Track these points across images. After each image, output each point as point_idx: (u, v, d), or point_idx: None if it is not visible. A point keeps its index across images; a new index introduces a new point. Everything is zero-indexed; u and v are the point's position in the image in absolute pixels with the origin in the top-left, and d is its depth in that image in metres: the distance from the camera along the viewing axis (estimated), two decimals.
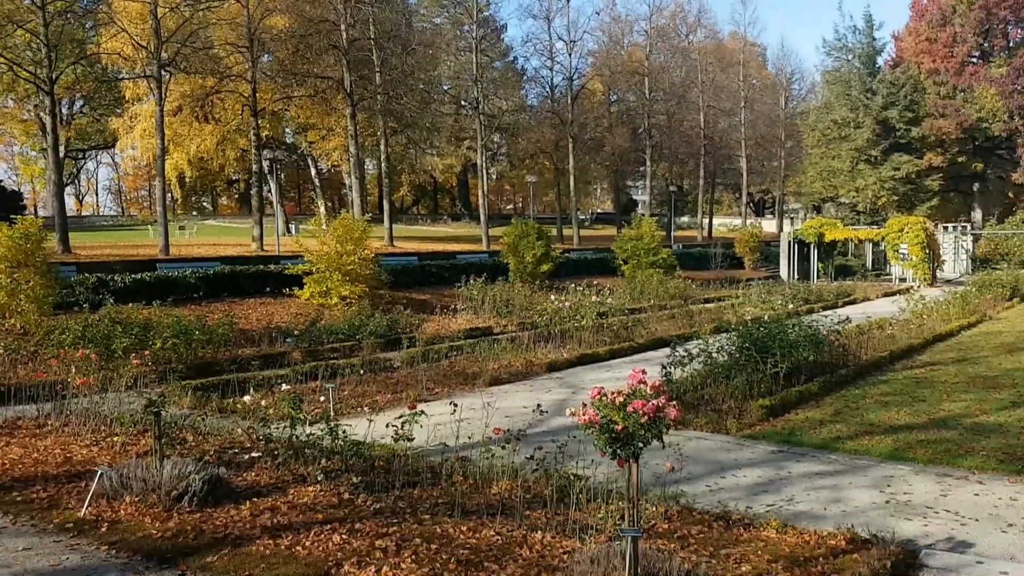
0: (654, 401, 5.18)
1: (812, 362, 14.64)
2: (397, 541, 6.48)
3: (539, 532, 7.08)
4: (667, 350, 20.11)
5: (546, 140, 59.52)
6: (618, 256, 37.73)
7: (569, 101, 55.98)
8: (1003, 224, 54.40)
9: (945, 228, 50.33)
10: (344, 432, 8.80)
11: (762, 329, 14.04)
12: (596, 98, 65.47)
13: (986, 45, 63.69)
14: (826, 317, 17.23)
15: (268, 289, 23.87)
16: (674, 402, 5.11)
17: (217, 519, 7.18)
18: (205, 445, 10.10)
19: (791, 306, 24.04)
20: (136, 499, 7.51)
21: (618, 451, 5.21)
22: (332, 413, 12.71)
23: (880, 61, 63.74)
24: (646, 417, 5.11)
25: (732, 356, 13.93)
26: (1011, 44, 63.47)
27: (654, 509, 7.80)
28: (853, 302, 32.56)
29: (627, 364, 18.09)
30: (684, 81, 63.20)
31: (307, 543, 6.50)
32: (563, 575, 5.46)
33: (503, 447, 8.42)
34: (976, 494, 8.66)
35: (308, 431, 9.02)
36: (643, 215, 43.58)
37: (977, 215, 60.84)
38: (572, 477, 8.28)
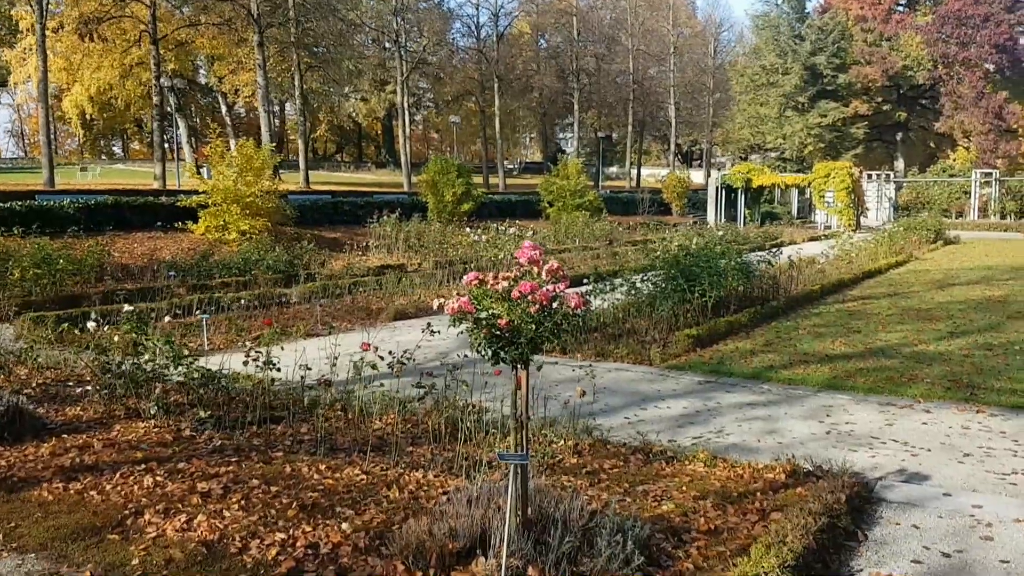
0: (548, 286, 3.82)
1: (742, 294, 13.68)
2: (226, 483, 5.05)
3: (419, 470, 5.76)
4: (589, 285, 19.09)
5: (472, 82, 57.41)
6: (544, 198, 36.48)
7: (495, 39, 53.93)
8: (925, 173, 54.89)
9: (869, 176, 50.39)
10: (192, 360, 7.29)
11: (690, 258, 12.89)
12: (523, 39, 63.46)
13: None
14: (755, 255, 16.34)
15: (159, 223, 21.76)
16: (575, 290, 3.77)
17: (4, 459, 5.63)
18: (38, 378, 8.48)
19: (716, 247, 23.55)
20: None
21: (502, 353, 3.86)
22: (206, 347, 11.19)
23: (809, 6, 63.28)
24: (537, 306, 3.76)
25: (657, 286, 12.81)
26: None
27: (562, 443, 6.57)
28: (780, 245, 31.78)
29: None
30: (613, 24, 61.65)
31: (107, 487, 5.03)
32: (429, 520, 4.12)
33: (395, 378, 7.10)
34: (924, 423, 7.68)
35: (153, 359, 7.48)
36: (570, 155, 42.23)
37: (900, 164, 61.31)
38: (466, 407, 7.00)
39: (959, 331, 12.36)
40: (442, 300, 3.95)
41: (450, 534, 3.94)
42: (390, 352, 7.30)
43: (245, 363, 6.96)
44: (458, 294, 4.04)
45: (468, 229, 20.12)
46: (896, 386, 9.01)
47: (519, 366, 3.94)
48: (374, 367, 6.82)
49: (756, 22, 63.31)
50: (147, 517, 4.53)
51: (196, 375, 6.99)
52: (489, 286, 3.89)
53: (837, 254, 21.85)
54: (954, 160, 58.83)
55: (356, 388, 7.66)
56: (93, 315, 9.17)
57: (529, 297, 3.73)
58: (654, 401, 8.51)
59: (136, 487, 5.01)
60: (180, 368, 7.09)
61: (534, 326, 3.78)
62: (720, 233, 19.98)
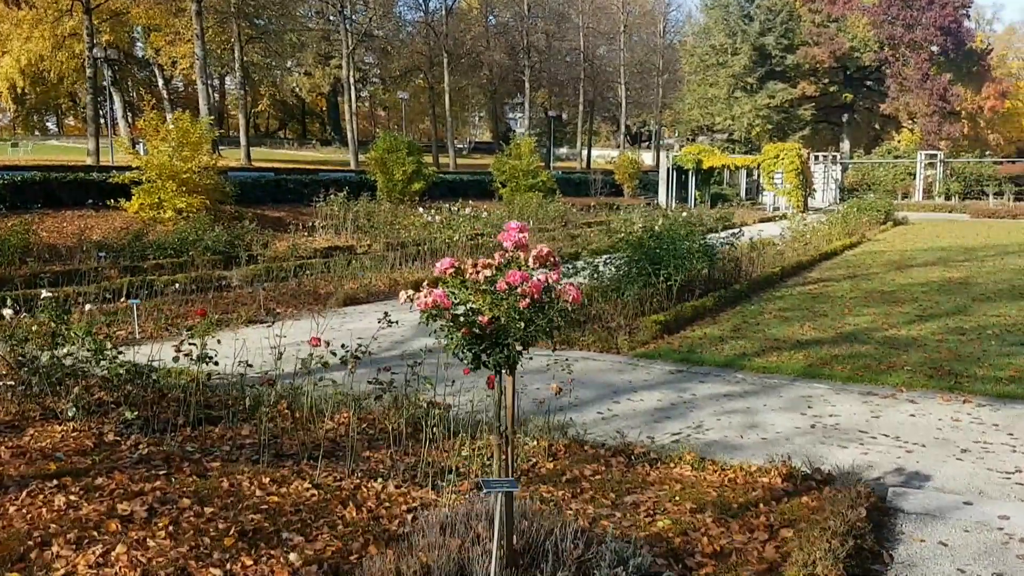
0: (541, 274, 3.19)
1: (705, 277, 13.23)
2: (152, 504, 4.32)
3: (378, 480, 5.11)
4: None
5: (420, 57, 56.14)
6: (496, 178, 35.74)
7: (444, 13, 52.75)
8: (870, 155, 55.45)
9: (815, 158, 50.68)
10: (118, 352, 6.49)
11: (654, 240, 12.38)
12: (472, 14, 62.24)
13: None
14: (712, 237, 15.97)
15: (90, 201, 20.50)
16: (571, 281, 3.14)
17: None
18: None
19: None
20: None
21: (483, 357, 3.21)
22: (137, 336, 10.34)
23: None
24: (527, 300, 3.12)
25: (621, 269, 12.28)
26: None
27: (535, 444, 5.97)
28: (732, 227, 31.69)
29: None
30: (564, 1, 60.83)
31: (11, 509, 4.27)
32: (396, 554, 3.48)
33: (349, 372, 6.41)
34: (912, 415, 7.27)
35: (73, 353, 6.68)
36: (522, 134, 41.46)
37: (845, 146, 61.87)
38: (429, 406, 6.36)
39: (927, 315, 12.09)
40: (410, 292, 3.29)
41: (422, 572, 3.30)
42: (343, 345, 6.62)
43: (176, 359, 6.20)
44: (428, 284, 3.39)
45: (421, 209, 19.32)
46: (875, 374, 8.62)
47: (503, 371, 3.30)
48: (325, 364, 6.09)
49: (706, 1, 63.13)
50: (56, 548, 3.80)
51: (121, 371, 6.21)
52: (468, 276, 3.23)
53: (792, 236, 21.65)
54: (899, 142, 59.58)
55: (304, 384, 6.97)
56: (9, 301, 8.26)
57: (519, 289, 3.09)
58: (626, 393, 7.97)
59: (45, 509, 4.25)
60: (104, 363, 6.30)
61: (523, 324, 3.14)
62: (684, 214, 19.59)
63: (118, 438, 5.74)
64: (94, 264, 15.08)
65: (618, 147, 78.42)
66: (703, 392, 8.03)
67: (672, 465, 5.55)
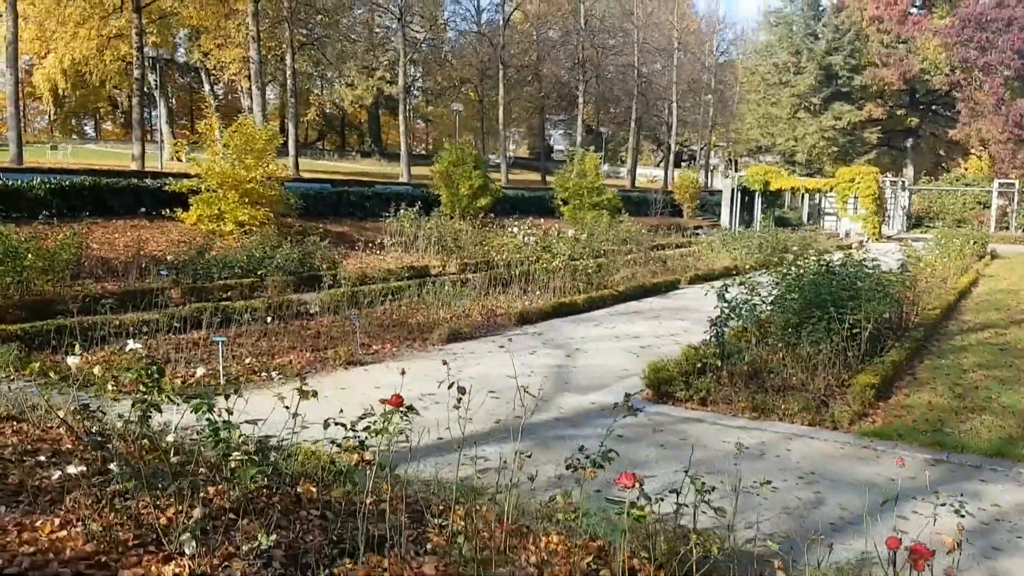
0: None
1: (886, 322, 11.09)
2: None
3: None
4: (654, 300, 16.48)
5: (471, 70, 54.44)
6: (558, 195, 33.78)
7: (501, 22, 51.04)
8: (937, 181, 52.91)
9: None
10: (240, 436, 4.50)
11: (834, 278, 10.26)
12: (525, 26, 60.58)
13: None
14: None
15: (143, 210, 18.66)
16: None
17: None
18: None
19: (757, 256, 22.91)
20: None
21: None
22: (222, 381, 8.36)
23: (824, 3, 60.76)
24: None
25: (788, 308, 10.13)
26: None
27: None
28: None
29: (613, 316, 14.24)
30: (620, 15, 58.95)
31: None
32: None
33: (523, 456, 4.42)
34: None
35: (175, 423, 4.71)
36: (573, 149, 39.30)
37: (909, 171, 59.25)
38: (691, 536, 4.31)
39: None
40: None
41: None
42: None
43: (334, 461, 4.20)
44: None
45: (515, 228, 17.32)
46: None
47: None
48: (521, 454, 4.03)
49: (769, 18, 60.89)
50: None
51: (258, 476, 4.19)
52: None
53: (916, 268, 19.43)
54: (966, 169, 56.98)
55: (471, 473, 5.00)
56: (78, 348, 6.30)
57: None
58: (899, 502, 5.81)
59: None
60: (232, 458, 4.29)
61: None
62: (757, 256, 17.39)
63: None
64: (153, 283, 13.20)
65: (658, 165, 76.04)
66: (1008, 502, 5.90)
67: None
